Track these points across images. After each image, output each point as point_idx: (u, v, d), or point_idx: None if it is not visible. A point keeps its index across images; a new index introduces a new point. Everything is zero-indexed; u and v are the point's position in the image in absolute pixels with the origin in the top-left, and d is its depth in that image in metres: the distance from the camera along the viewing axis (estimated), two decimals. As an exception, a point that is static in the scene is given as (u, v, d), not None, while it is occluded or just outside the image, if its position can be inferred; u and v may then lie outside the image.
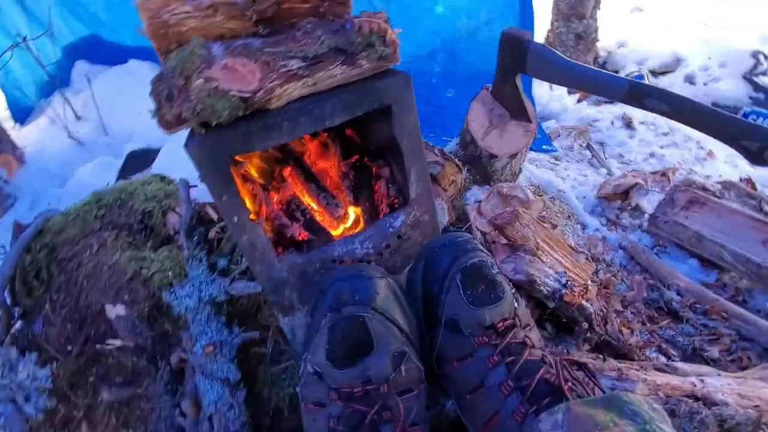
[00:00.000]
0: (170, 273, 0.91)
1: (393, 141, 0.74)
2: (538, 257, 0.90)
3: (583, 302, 0.86)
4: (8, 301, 0.95)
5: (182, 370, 0.81)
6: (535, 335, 0.61)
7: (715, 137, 0.84)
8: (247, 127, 0.61)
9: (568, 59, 1.02)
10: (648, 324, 1.03)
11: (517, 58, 1.08)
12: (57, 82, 2.17)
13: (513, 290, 0.62)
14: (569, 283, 0.88)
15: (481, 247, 0.63)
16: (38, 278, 0.96)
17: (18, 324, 0.95)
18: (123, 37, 2.28)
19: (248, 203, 0.72)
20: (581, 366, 0.52)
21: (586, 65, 1.00)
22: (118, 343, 0.77)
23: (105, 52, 2.30)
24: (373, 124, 0.81)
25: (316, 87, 0.63)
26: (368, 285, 0.58)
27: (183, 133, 0.63)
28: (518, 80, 1.13)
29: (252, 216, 0.69)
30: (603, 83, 0.97)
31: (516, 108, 1.17)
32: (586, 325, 0.90)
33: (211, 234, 1.03)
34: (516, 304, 0.60)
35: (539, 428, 0.43)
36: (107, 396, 0.79)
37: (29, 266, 0.96)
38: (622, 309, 1.02)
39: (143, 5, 0.61)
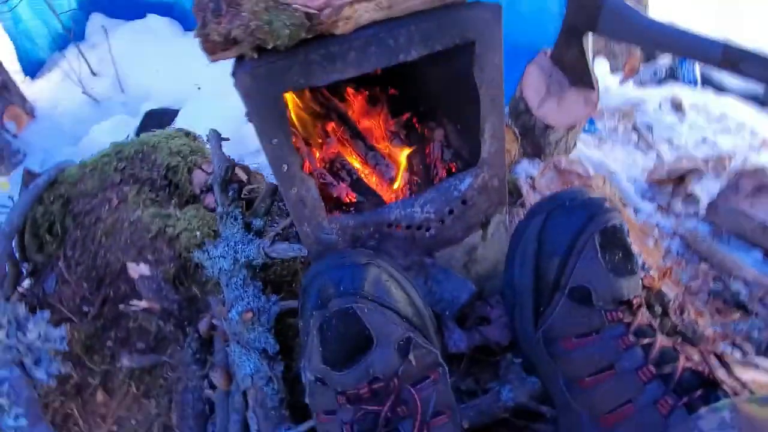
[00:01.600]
0: (198, 233, 0.82)
1: (463, 88, 0.63)
2: (610, 236, 0.81)
3: (663, 287, 0.76)
4: (17, 255, 0.87)
5: (211, 339, 0.73)
6: (653, 321, 0.52)
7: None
8: (306, 54, 0.51)
9: (650, 17, 0.90)
10: (717, 316, 0.93)
11: (588, 16, 0.96)
12: (72, 34, 2.05)
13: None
14: (645, 265, 0.78)
15: (619, 208, 0.54)
16: (51, 232, 0.87)
17: (27, 281, 0.87)
18: (142, -11, 2.15)
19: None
20: (718, 358, 0.43)
21: (672, 25, 0.88)
22: (143, 304, 0.68)
23: (122, 6, 2.16)
24: (436, 67, 0.71)
25: (390, 11, 0.53)
26: (353, 272, 0.51)
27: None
28: (586, 42, 1.02)
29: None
30: (692, 45, 0.85)
31: (580, 74, 1.06)
32: (659, 310, 0.81)
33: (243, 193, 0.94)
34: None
35: (699, 426, 0.35)
36: (127, 362, 0.71)
37: (41, 218, 0.87)
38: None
39: None
